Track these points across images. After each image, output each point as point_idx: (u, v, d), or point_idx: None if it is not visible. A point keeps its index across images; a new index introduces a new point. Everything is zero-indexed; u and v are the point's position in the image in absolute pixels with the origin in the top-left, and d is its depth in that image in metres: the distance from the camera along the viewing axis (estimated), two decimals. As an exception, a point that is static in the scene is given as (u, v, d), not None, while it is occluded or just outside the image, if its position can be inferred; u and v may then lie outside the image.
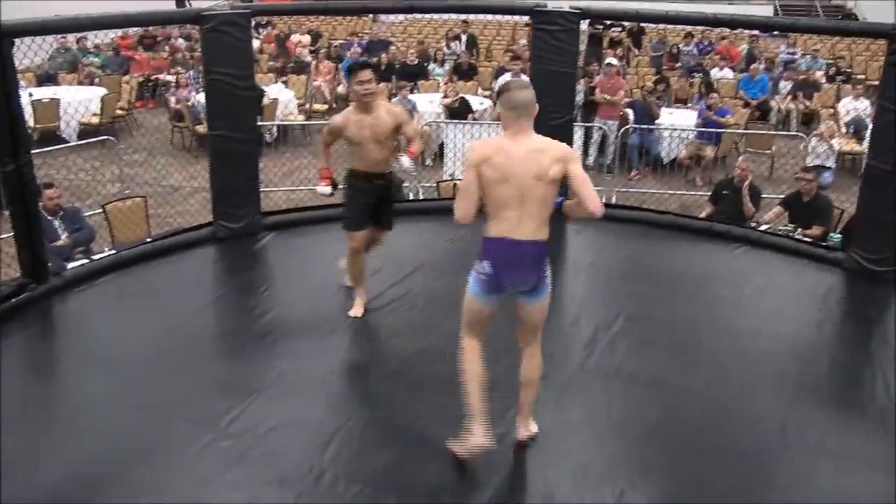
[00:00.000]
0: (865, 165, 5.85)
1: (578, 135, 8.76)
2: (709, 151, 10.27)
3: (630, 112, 10.67)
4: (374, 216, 4.89)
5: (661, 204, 8.29)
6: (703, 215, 7.56)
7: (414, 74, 13.25)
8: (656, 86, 12.09)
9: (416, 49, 14.80)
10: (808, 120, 12.69)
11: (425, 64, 14.27)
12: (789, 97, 13.09)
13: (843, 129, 11.12)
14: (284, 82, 13.12)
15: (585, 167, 9.60)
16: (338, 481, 3.52)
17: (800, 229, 6.99)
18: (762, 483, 3.65)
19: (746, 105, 12.83)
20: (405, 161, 4.88)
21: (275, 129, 11.20)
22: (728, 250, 6.08)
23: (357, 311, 4.93)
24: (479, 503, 3.44)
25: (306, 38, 16.79)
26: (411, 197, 8.50)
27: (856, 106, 11.54)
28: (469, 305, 3.54)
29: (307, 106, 12.84)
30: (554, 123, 6.47)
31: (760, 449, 3.85)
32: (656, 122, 10.64)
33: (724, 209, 7.70)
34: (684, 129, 10.46)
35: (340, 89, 13.19)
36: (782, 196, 7.65)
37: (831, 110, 12.41)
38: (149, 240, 6.06)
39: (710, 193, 8.23)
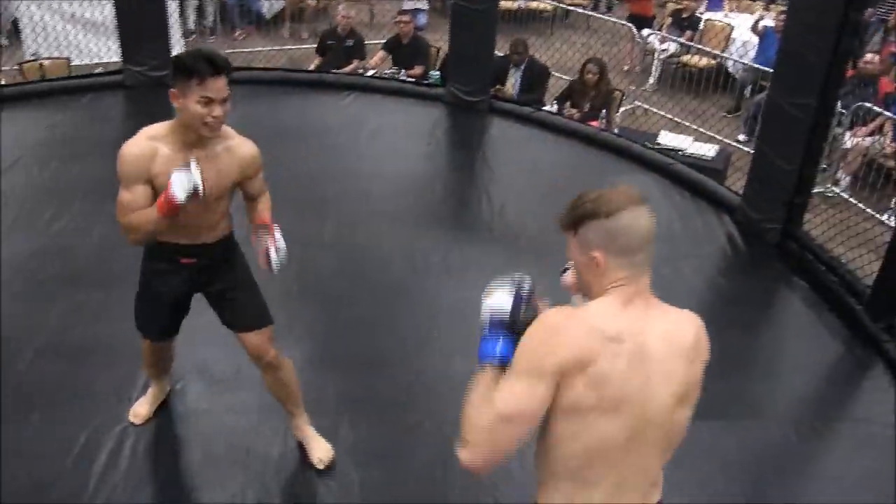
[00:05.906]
0: (454, 5, 6.18)
1: (172, -3, 8.18)
2: (311, 1, 10.20)
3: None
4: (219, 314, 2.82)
5: (270, 61, 8.14)
6: (311, 67, 7.56)
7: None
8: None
9: None
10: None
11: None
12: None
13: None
14: None
15: (186, 31, 9.24)
16: None
17: (403, 70, 7.31)
18: (399, 307, 3.94)
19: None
20: (275, 254, 2.66)
21: None
22: (339, 99, 6.18)
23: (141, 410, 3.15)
24: None
25: None
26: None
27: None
28: None
29: None
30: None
31: (395, 280, 4.13)
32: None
33: (331, 59, 7.76)
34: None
35: None
36: (384, 41, 7.90)
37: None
38: None
39: (316, 45, 8.22)
